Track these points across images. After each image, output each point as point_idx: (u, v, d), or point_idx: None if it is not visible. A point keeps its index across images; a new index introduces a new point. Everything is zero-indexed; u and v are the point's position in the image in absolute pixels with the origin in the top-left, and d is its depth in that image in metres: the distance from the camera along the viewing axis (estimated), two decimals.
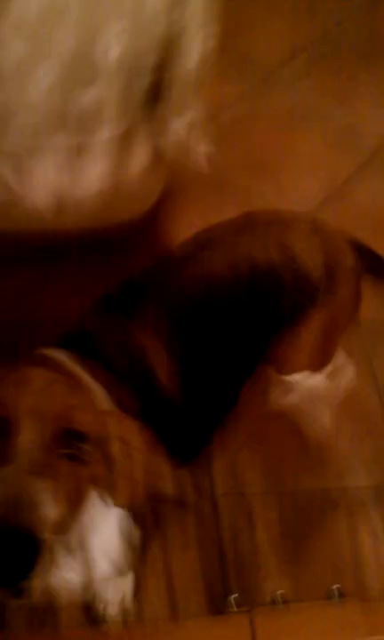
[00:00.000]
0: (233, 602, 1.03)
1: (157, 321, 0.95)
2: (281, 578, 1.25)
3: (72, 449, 0.68)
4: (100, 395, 0.84)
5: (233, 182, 1.79)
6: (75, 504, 0.68)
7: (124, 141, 1.44)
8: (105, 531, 0.86)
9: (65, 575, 0.80)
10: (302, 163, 1.91)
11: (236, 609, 1.02)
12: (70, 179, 1.44)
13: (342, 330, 1.11)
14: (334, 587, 1.14)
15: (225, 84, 1.97)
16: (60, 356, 0.87)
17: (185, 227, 1.63)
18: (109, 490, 0.74)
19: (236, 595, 1.09)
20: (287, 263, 1.00)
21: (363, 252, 1.10)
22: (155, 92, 1.39)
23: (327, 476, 1.39)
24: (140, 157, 1.47)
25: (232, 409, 1.07)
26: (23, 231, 1.50)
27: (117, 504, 0.75)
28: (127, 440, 0.74)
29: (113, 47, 1.28)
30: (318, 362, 1.15)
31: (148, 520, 1.21)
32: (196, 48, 1.31)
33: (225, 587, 1.24)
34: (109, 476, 0.73)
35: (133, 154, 1.46)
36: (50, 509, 0.63)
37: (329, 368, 1.18)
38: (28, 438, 0.66)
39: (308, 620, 0.74)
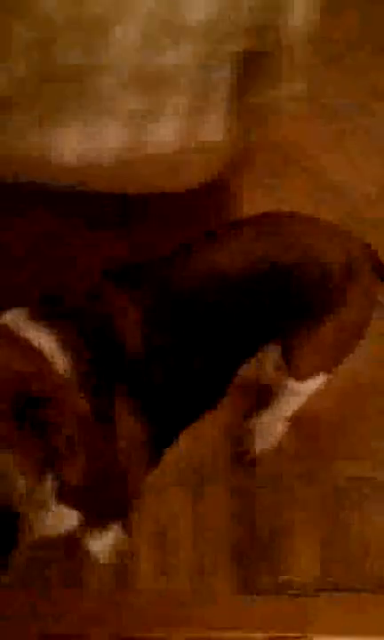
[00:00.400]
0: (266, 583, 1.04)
1: (145, 297, 0.94)
2: (314, 561, 1.25)
3: (30, 417, 0.66)
4: (59, 360, 0.81)
5: (306, 159, 1.73)
6: (42, 472, 0.67)
7: (201, 108, 1.41)
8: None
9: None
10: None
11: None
12: (137, 141, 1.42)
13: (358, 336, 1.10)
14: None
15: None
16: (18, 319, 0.84)
17: (249, 203, 1.60)
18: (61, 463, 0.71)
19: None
20: (309, 261, 1.01)
21: (375, 259, 1.09)
22: (248, 59, 1.35)
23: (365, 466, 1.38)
24: (215, 126, 1.44)
25: (222, 391, 1.06)
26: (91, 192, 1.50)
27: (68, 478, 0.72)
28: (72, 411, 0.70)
29: (198, 9, 1.24)
30: (329, 365, 1.14)
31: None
32: (299, 13, 1.25)
33: (254, 563, 1.25)
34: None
35: (209, 122, 1.43)
36: (17, 482, 0.62)
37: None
38: None
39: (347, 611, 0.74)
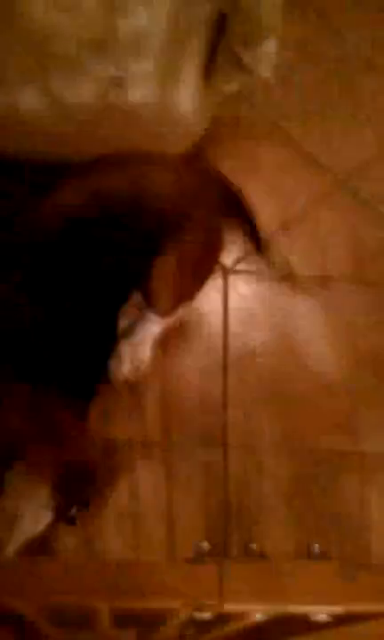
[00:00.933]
0: (206, 549, 1.03)
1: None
2: (277, 531, 1.23)
3: None
4: None
5: (285, 128, 1.70)
6: None
7: (172, 74, 1.37)
8: None
9: None
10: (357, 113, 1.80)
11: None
12: (107, 110, 1.39)
13: (208, 261, 1.15)
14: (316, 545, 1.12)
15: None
16: None
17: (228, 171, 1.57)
18: None
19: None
20: (139, 195, 1.02)
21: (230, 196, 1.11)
22: (217, 21, 1.32)
23: (345, 439, 1.35)
24: (188, 92, 1.40)
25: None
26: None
27: None
28: None
29: None
30: (185, 297, 1.19)
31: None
32: None
33: (225, 537, 1.23)
34: None
35: (182, 88, 1.39)
36: None
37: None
38: None
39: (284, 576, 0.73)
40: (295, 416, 1.37)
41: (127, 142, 1.50)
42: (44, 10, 1.24)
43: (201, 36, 1.36)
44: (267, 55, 1.35)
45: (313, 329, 1.46)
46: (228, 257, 1.49)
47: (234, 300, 1.46)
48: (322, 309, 1.47)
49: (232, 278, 1.48)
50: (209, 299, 1.45)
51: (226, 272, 1.48)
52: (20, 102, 1.31)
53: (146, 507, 1.27)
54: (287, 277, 1.50)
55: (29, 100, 1.31)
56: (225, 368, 1.39)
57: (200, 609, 0.66)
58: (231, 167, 1.59)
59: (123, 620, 0.78)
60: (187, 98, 1.43)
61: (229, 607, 0.66)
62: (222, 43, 1.38)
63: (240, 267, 1.49)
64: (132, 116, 1.42)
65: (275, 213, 1.55)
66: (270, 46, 1.33)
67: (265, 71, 1.37)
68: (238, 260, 1.50)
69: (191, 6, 1.30)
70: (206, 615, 0.69)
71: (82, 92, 1.34)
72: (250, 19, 1.32)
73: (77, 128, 1.40)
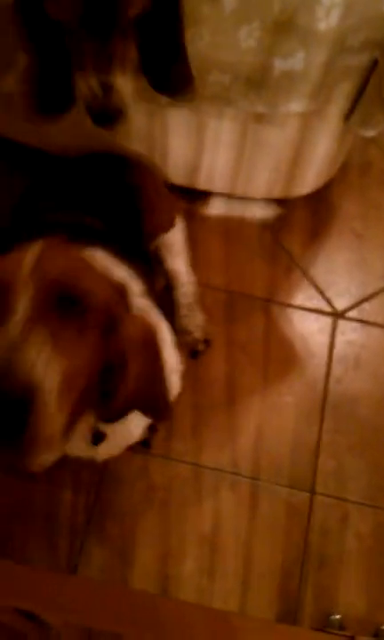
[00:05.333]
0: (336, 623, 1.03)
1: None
2: (359, 594, 1.21)
3: (70, 312, 0.67)
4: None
5: None
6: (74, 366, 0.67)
7: (317, 115, 1.39)
8: None
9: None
10: None
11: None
12: (246, 142, 1.42)
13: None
14: None
15: None
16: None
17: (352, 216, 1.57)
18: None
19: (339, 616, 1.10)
20: None
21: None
22: (363, 76, 1.33)
23: None
24: (328, 134, 1.42)
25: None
26: None
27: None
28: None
29: (322, 18, 1.22)
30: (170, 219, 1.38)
31: None
32: None
33: (300, 584, 1.22)
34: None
35: (324, 129, 1.41)
36: (42, 369, 0.62)
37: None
38: (23, 300, 0.65)
39: None
40: None
41: (251, 182, 1.53)
42: (206, 44, 1.28)
43: (352, 81, 1.37)
44: None
45: None
46: (339, 302, 1.49)
47: (340, 345, 1.45)
48: None
49: (341, 323, 1.47)
50: (316, 341, 1.45)
51: (336, 316, 1.47)
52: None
53: (226, 537, 1.28)
54: None
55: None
56: (322, 412, 1.38)
57: None
58: (356, 212, 1.59)
59: None
60: (326, 140, 1.44)
61: None
62: (369, 88, 1.38)
63: (351, 314, 1.48)
64: (263, 154, 1.44)
65: None
66: None
67: None
68: (350, 307, 1.49)
69: (348, 54, 1.31)
70: None
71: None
72: None
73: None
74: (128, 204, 1.24)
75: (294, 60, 1.30)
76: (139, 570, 1.25)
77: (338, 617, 1.13)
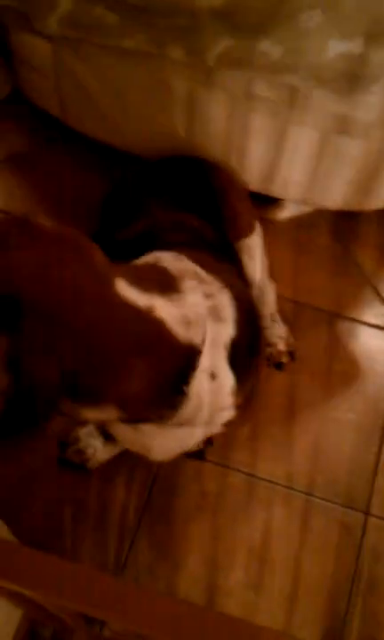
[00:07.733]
0: None
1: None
2: None
3: None
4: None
5: None
6: None
7: None
8: None
9: None
10: None
11: None
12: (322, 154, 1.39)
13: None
14: None
15: None
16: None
17: None
18: None
19: None
20: None
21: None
22: None
23: None
24: None
25: None
26: None
27: None
28: None
29: None
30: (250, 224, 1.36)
31: None
32: None
33: (348, 605, 1.20)
34: None
35: None
36: None
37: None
38: None
39: None
40: None
41: (327, 192, 1.50)
42: None
43: None
44: None
45: None
46: None
47: None
48: None
49: None
50: (381, 359, 1.42)
51: None
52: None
53: (275, 550, 1.27)
54: None
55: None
56: (383, 433, 1.36)
57: None
58: None
59: None
60: None
61: None
62: None
63: None
64: (342, 164, 1.41)
65: None
66: None
67: None
68: None
69: None
70: None
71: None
72: None
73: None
74: (213, 208, 1.23)
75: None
76: (185, 575, 1.25)
77: None
